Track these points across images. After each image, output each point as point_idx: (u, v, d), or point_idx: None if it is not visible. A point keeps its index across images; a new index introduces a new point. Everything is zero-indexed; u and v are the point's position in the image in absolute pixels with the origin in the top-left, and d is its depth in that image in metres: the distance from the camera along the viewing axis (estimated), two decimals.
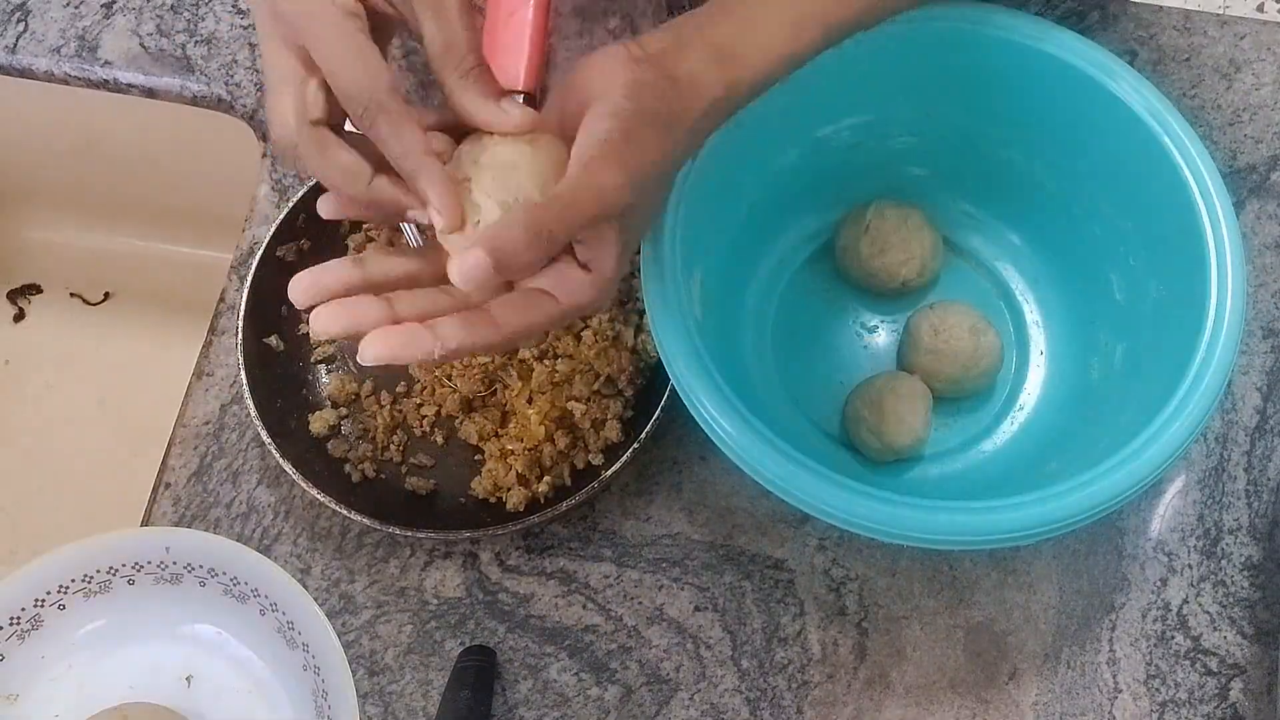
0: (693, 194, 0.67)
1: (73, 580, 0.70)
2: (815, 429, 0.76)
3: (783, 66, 0.59)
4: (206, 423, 0.78)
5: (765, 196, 0.77)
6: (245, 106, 0.87)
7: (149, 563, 0.70)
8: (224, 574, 0.70)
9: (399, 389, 0.79)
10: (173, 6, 0.90)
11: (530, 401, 0.76)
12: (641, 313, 0.77)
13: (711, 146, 0.64)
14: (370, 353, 0.51)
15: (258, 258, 0.76)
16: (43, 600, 0.70)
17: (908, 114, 0.77)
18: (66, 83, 0.89)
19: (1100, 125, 0.71)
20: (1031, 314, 0.80)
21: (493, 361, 0.77)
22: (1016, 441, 0.76)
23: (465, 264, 0.50)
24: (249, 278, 0.76)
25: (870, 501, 0.61)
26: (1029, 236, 0.80)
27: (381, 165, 0.55)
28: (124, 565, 0.70)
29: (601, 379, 0.75)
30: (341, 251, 0.80)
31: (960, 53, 0.72)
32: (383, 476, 0.76)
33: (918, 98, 0.75)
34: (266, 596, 0.69)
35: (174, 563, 0.70)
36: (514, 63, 0.83)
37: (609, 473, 0.71)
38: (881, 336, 0.80)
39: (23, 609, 0.70)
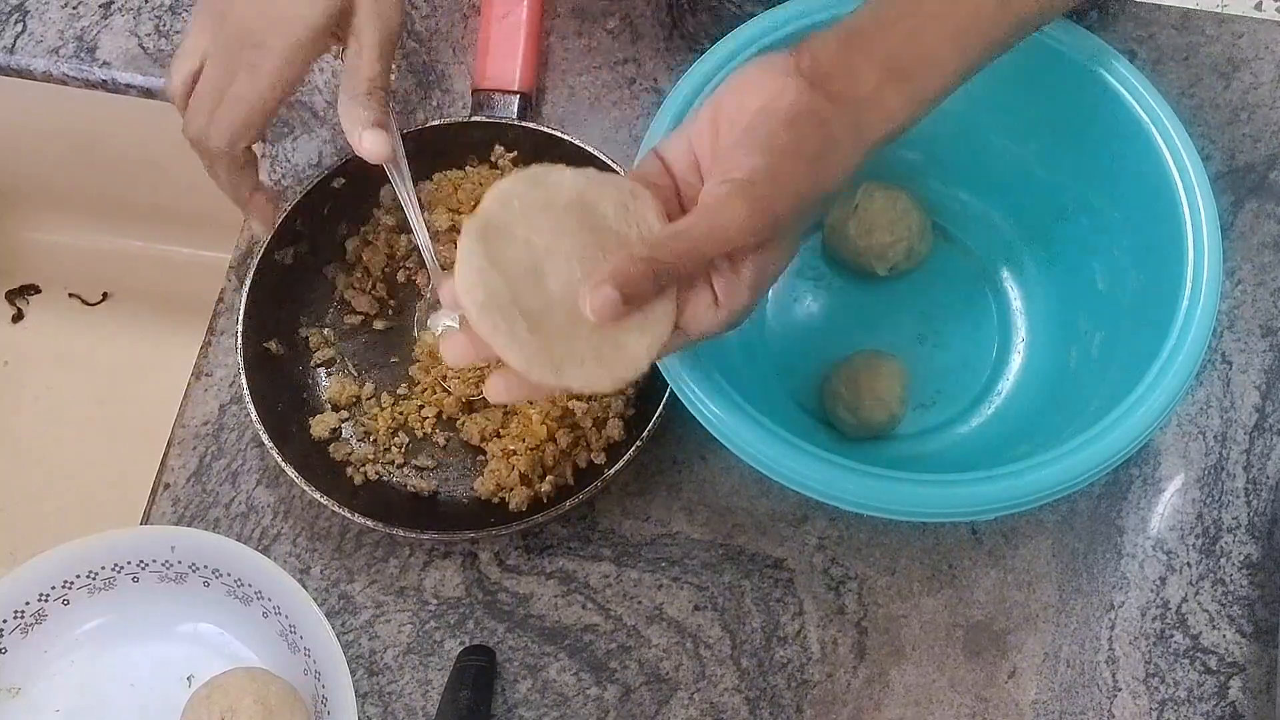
0: None
1: (78, 576, 0.70)
2: (794, 404, 0.77)
3: (952, 83, 0.57)
4: (205, 423, 0.78)
5: None
6: None
7: (154, 561, 0.71)
8: (228, 575, 0.70)
9: (400, 391, 0.79)
10: (171, 7, 0.90)
11: (531, 401, 0.76)
12: None
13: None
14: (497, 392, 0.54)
15: (256, 260, 0.76)
16: (47, 595, 0.70)
17: None
18: (65, 83, 0.89)
19: (1093, 116, 0.71)
20: (1016, 301, 0.80)
21: (489, 366, 0.78)
22: (990, 425, 0.76)
23: (596, 299, 0.51)
24: (247, 282, 0.76)
25: (828, 468, 0.62)
26: (1017, 223, 0.80)
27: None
28: (129, 563, 0.71)
29: None
30: (339, 254, 0.81)
31: None
32: (385, 479, 0.76)
33: None
34: (270, 600, 0.69)
35: (179, 562, 0.70)
36: (509, 64, 0.83)
37: (612, 470, 0.71)
38: (866, 317, 0.80)
39: (26, 603, 0.70)
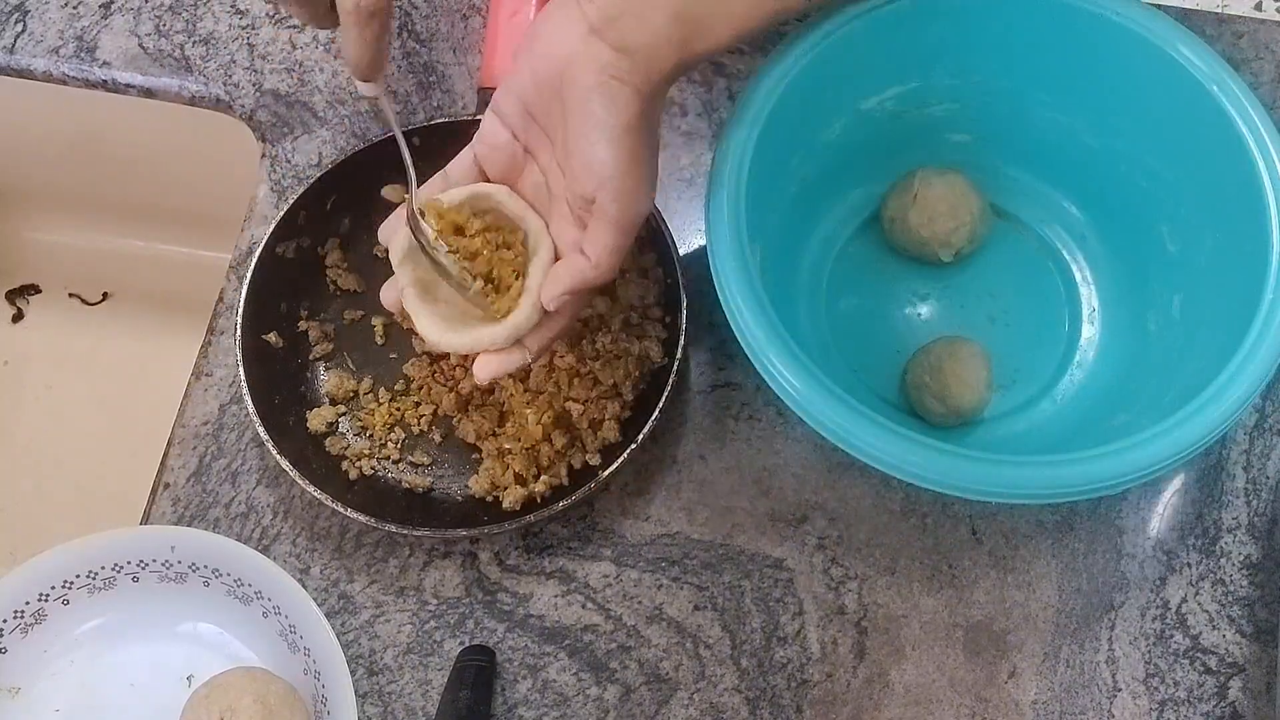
0: (752, 173, 0.68)
1: (78, 576, 0.70)
2: (877, 398, 0.77)
3: (737, 39, 0.63)
4: (205, 423, 0.78)
5: (813, 171, 0.77)
6: (244, 107, 0.87)
7: (154, 561, 0.71)
8: (228, 575, 0.70)
9: (397, 386, 0.79)
10: (171, 7, 0.90)
11: (528, 401, 0.76)
12: (645, 322, 0.77)
13: (765, 125, 0.68)
14: (484, 374, 0.65)
15: (257, 255, 0.76)
16: (47, 595, 0.70)
17: (947, 81, 0.77)
18: (65, 83, 0.89)
19: (1142, 78, 0.71)
20: (1080, 272, 0.80)
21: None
22: (1078, 399, 0.77)
23: (556, 301, 0.64)
24: (248, 273, 0.76)
25: (976, 465, 0.63)
26: (1072, 194, 0.81)
27: None
28: (129, 563, 0.71)
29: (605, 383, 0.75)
30: (338, 245, 0.81)
31: (998, 15, 0.73)
32: (380, 474, 0.76)
33: (957, 63, 0.76)
34: (270, 599, 0.69)
35: (179, 562, 0.70)
36: None
37: (605, 473, 0.71)
38: (933, 303, 0.80)
39: (26, 602, 0.70)
